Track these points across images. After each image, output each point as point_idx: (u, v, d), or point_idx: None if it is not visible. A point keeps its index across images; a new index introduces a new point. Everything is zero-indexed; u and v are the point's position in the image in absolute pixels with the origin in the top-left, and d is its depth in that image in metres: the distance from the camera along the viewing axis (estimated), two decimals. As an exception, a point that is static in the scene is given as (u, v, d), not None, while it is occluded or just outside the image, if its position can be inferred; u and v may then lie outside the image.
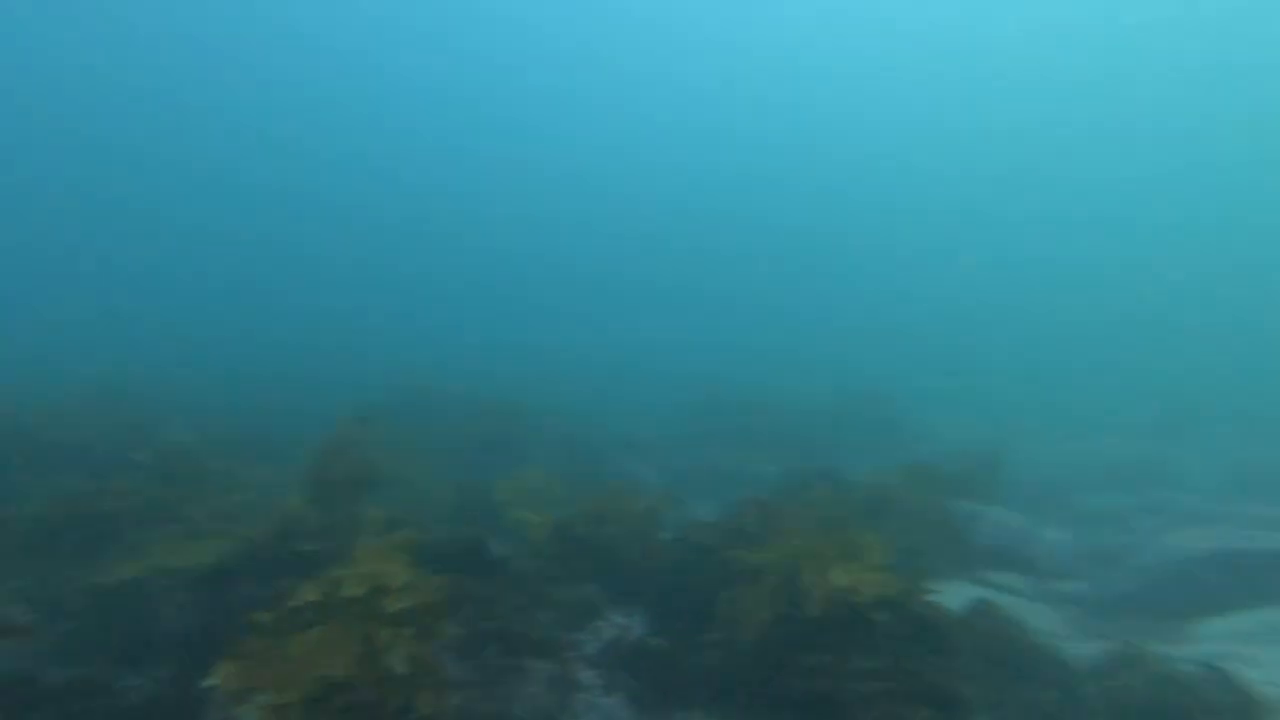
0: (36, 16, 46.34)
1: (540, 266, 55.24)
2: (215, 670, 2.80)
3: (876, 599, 4.62)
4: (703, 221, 60.27)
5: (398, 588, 3.25)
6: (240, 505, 5.86)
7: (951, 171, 59.77)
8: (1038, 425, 17.77)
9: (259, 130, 55.68)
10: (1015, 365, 29.38)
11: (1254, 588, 5.45)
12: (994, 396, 23.01)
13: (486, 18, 57.18)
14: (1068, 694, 4.71)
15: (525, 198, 60.73)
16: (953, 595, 5.89)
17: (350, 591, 3.19)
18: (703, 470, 12.75)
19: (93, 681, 3.77)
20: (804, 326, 40.54)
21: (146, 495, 5.46)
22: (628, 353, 31.36)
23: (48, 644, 4.15)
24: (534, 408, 13.40)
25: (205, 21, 50.13)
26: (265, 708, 2.68)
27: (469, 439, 11.46)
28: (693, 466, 13.00)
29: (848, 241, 58.12)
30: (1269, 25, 46.07)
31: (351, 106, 58.40)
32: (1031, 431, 17.00)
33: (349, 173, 59.00)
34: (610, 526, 5.70)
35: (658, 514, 6.68)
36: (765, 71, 60.55)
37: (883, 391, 19.90)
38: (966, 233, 56.22)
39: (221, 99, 53.93)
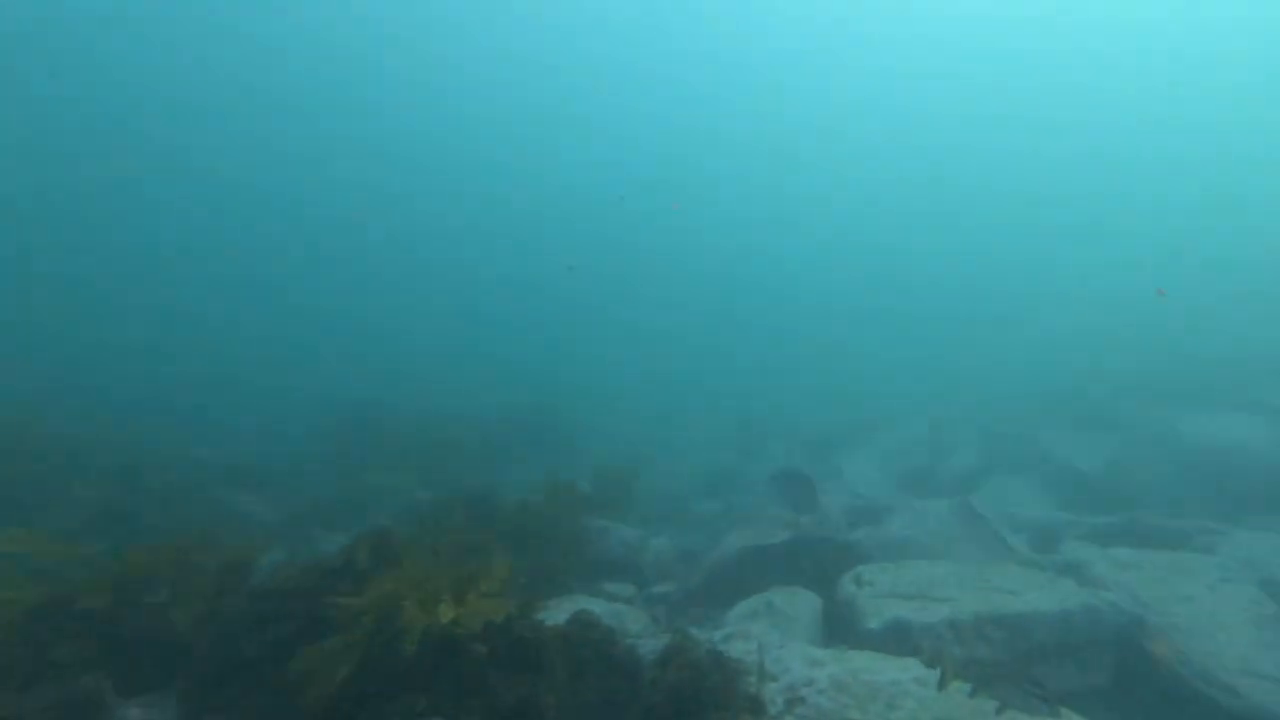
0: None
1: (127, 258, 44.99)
2: None
3: (482, 628, 4.83)
4: (351, 222, 56.22)
5: None
6: None
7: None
8: (680, 438, 20.70)
9: None
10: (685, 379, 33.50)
11: (765, 574, 7.25)
12: (656, 409, 26.09)
13: None
14: (634, 686, 5.60)
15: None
16: (573, 609, 6.53)
17: None
18: (340, 500, 11.73)
19: None
20: (476, 338, 40.77)
21: None
22: (241, 364, 27.41)
23: None
24: (63, 433, 10.35)
25: None
26: None
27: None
28: (328, 497, 11.86)
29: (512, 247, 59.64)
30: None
31: None
32: (671, 445, 19.76)
33: None
34: (163, 589, 4.83)
35: (250, 562, 5.90)
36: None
37: (551, 407, 20.86)
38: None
39: None
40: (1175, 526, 8.37)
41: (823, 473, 13.61)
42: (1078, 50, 54.08)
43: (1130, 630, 5.65)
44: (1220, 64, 49.55)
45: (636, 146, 65.22)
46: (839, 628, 6.20)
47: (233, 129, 51.87)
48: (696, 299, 51.25)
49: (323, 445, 15.14)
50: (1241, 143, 47.96)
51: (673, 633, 6.36)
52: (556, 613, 6.31)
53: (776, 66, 60.53)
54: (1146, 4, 51.49)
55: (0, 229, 39.55)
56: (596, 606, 7.14)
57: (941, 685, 4.43)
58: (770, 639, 5.77)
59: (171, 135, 50.03)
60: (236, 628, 4.75)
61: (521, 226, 61.07)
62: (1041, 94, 55.46)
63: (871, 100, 61.08)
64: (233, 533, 7.24)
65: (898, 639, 5.38)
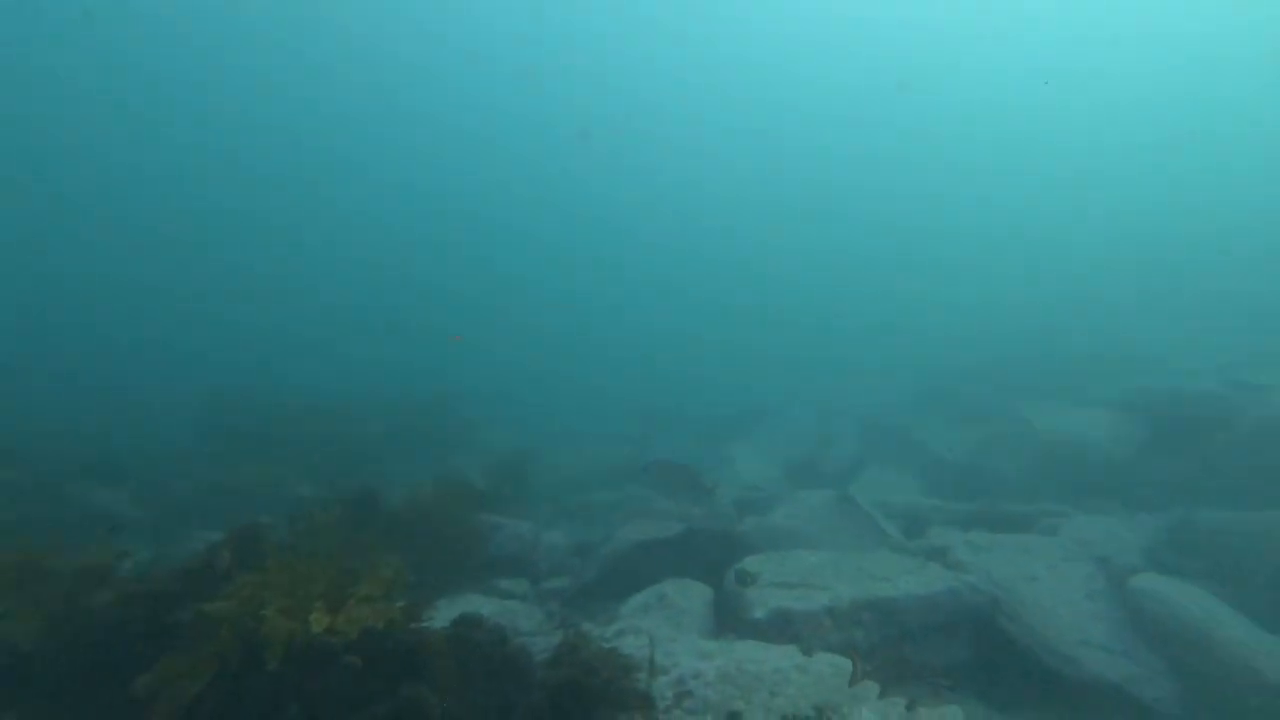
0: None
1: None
2: None
3: (360, 635, 4.54)
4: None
5: None
6: None
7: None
8: (576, 429, 20.56)
9: None
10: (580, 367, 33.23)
11: (659, 566, 7.34)
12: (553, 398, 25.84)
13: None
14: (525, 686, 5.49)
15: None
16: (464, 608, 6.33)
17: None
18: (213, 495, 10.83)
19: None
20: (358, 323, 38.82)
21: None
22: (111, 351, 24.82)
23: None
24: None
25: None
26: None
27: None
28: (199, 491, 10.93)
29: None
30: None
31: None
32: (567, 436, 19.58)
33: None
34: (4, 600, 4.24)
35: (107, 566, 5.30)
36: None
37: (444, 397, 20.21)
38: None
39: None
40: (1025, 511, 9.26)
41: (714, 462, 14.01)
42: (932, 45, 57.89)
43: (986, 608, 6.18)
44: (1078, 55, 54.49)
45: (525, 136, 63.91)
46: (728, 618, 6.37)
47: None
48: (591, 290, 51.26)
49: (199, 437, 13.88)
50: (1108, 147, 53.03)
51: (565, 629, 6.30)
52: (447, 613, 6.10)
53: (663, 62, 61.19)
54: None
55: None
56: (488, 605, 6.97)
57: (853, 683, 4.64)
58: (662, 632, 5.83)
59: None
60: (84, 641, 4.23)
61: (416, 216, 58.58)
62: (898, 90, 59.04)
63: (758, 95, 63.04)
64: (90, 534, 6.51)
65: (781, 627, 5.60)
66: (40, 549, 4.90)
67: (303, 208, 55.09)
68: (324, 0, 50.64)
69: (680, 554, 8.02)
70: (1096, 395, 12.96)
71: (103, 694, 4.09)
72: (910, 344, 27.67)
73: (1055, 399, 13.62)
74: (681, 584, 6.71)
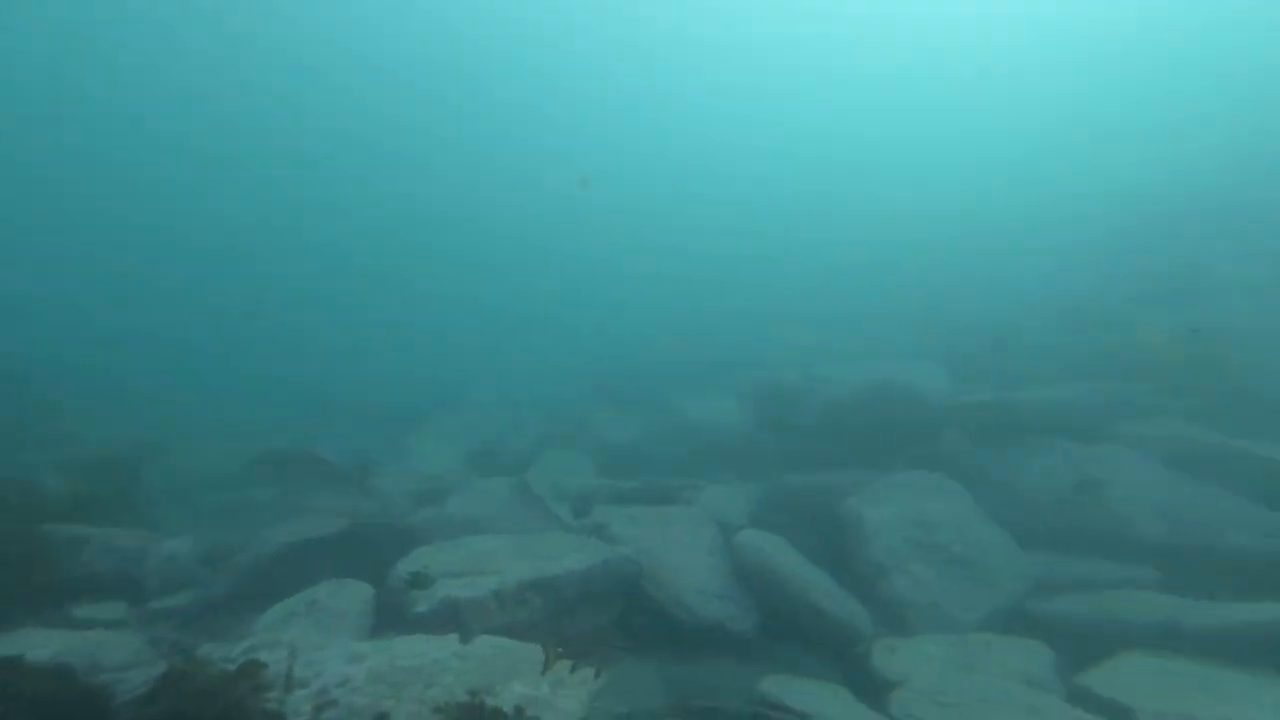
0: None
1: None
2: None
3: None
4: None
5: None
6: None
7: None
8: (226, 418, 17.32)
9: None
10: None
11: (316, 569, 6.58)
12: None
13: None
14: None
15: None
16: (27, 647, 4.81)
17: None
18: None
19: None
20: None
21: None
22: None
23: None
24: None
25: None
26: None
27: None
28: None
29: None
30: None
31: None
32: (214, 426, 16.38)
33: None
34: None
35: None
36: None
37: (17, 374, 15.73)
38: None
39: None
40: (672, 485, 10.67)
41: (391, 452, 13.17)
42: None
43: (634, 575, 6.94)
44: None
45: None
46: (392, 616, 6.00)
47: None
48: (254, 272, 44.03)
49: None
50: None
51: (173, 656, 5.23)
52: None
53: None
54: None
55: None
56: (56, 640, 5.43)
57: (545, 669, 4.66)
58: (309, 640, 5.23)
59: None
60: None
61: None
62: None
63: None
64: None
65: (448, 617, 5.47)
66: None
67: None
68: None
69: (344, 553, 7.30)
70: (727, 386, 15.66)
71: None
72: (589, 339, 29.70)
73: (698, 389, 16.10)
74: (337, 585, 6.11)
